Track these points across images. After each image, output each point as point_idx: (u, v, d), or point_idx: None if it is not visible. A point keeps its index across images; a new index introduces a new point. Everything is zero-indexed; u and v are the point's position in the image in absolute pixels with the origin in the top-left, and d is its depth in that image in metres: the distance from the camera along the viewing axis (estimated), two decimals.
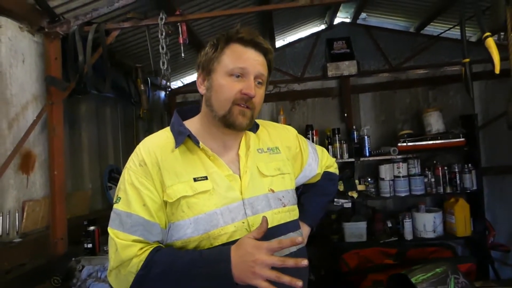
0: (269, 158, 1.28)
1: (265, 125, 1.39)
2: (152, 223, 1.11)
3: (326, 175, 1.59)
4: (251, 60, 1.14)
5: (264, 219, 1.04)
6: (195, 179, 1.13)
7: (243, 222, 1.13)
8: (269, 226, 1.13)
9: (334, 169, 1.65)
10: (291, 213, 1.27)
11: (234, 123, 1.14)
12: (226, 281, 1.00)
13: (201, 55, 1.22)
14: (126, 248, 1.08)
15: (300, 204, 1.44)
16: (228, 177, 1.16)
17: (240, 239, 1.03)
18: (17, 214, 2.24)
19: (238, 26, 1.19)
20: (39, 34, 2.48)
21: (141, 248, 1.08)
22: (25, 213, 2.29)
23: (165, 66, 2.38)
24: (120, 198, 1.14)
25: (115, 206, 1.15)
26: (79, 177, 2.99)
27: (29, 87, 2.42)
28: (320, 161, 1.54)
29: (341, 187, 3.99)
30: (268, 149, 1.31)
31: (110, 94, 3.02)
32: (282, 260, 0.98)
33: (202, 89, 1.22)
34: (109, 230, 1.13)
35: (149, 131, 4.04)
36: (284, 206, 1.24)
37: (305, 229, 1.46)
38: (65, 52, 2.49)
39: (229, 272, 0.99)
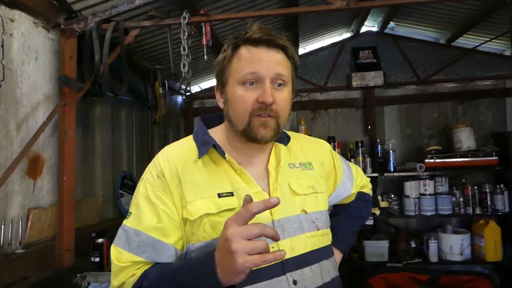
0: (302, 174, 1.14)
1: (296, 137, 1.25)
2: (164, 244, 0.97)
3: (361, 196, 1.45)
4: (265, 62, 0.99)
5: (247, 198, 0.84)
6: (219, 195, 1.00)
7: (273, 247, 0.97)
8: (302, 252, 1.03)
9: (368, 189, 1.50)
10: (325, 237, 1.13)
11: (255, 137, 1.00)
12: (212, 281, 0.84)
13: (216, 65, 1.08)
14: (122, 271, 0.98)
15: (331, 227, 1.29)
16: (256, 194, 1.02)
17: None
18: (20, 222, 2.08)
19: (248, 25, 1.03)
20: (54, 31, 2.35)
21: (139, 267, 0.98)
22: (29, 222, 2.13)
23: (186, 68, 2.22)
24: (131, 213, 1.02)
25: (124, 222, 1.03)
26: (90, 184, 2.84)
27: (41, 86, 2.27)
28: (355, 179, 1.40)
29: None
30: (300, 164, 1.17)
31: (126, 97, 2.87)
32: (260, 227, 0.79)
33: (221, 103, 1.09)
34: (112, 248, 1.01)
35: (165, 137, 3.90)
36: (318, 229, 1.10)
37: (338, 256, 1.30)
38: (81, 51, 2.35)
39: (213, 272, 0.83)
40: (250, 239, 0.78)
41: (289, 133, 1.20)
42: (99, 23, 2.27)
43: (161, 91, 2.82)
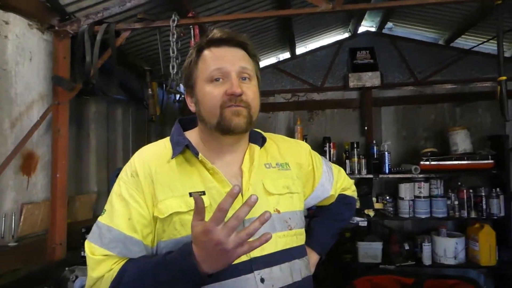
0: (278, 174, 1.16)
1: (274, 138, 1.27)
2: (135, 240, 1.02)
3: (342, 198, 1.45)
4: (228, 57, 1.05)
5: (196, 196, 0.88)
6: (191, 194, 1.02)
7: None
8: (272, 251, 1.05)
9: (351, 192, 1.50)
10: (298, 237, 1.14)
11: (230, 126, 1.03)
12: (195, 276, 0.89)
13: (183, 71, 1.15)
14: (99, 264, 1.01)
15: (309, 228, 1.33)
16: None
17: (192, 234, 0.89)
18: (14, 217, 2.16)
19: (209, 31, 1.10)
20: (49, 33, 2.42)
21: (115, 262, 1.01)
22: (22, 216, 2.21)
23: (175, 70, 2.27)
24: (105, 210, 1.07)
25: (98, 218, 1.07)
26: (84, 180, 2.91)
27: (36, 86, 2.35)
28: (335, 182, 1.40)
29: (357, 204, 3.79)
30: (277, 164, 1.19)
31: (120, 96, 2.93)
32: (237, 218, 0.83)
33: (192, 107, 1.13)
34: (86, 243, 1.05)
35: (161, 136, 3.95)
36: (291, 229, 1.11)
37: (313, 257, 1.33)
38: (75, 52, 2.42)
39: (194, 266, 0.88)
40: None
41: (266, 134, 1.23)
42: (91, 25, 2.34)
43: (150, 92, 2.88)
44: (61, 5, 2.32)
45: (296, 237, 1.13)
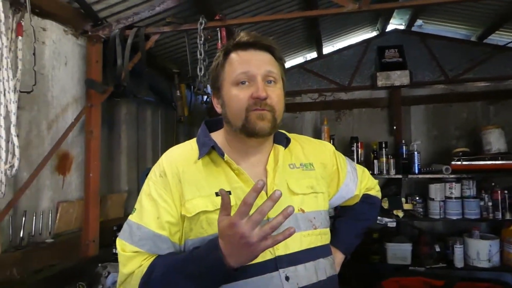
0: (302, 175, 1.17)
1: (298, 139, 1.28)
2: (163, 237, 1.05)
3: (366, 198, 1.45)
4: (254, 61, 1.07)
5: (223, 192, 0.90)
6: (217, 194, 1.05)
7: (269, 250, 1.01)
8: (297, 250, 1.06)
9: (375, 192, 1.50)
10: (323, 236, 1.15)
11: (254, 129, 1.05)
12: (221, 270, 0.92)
13: (210, 73, 1.18)
14: (130, 261, 1.05)
15: (334, 228, 1.32)
16: None
17: (218, 228, 0.92)
18: (50, 214, 2.27)
19: (236, 33, 1.12)
20: (82, 38, 2.52)
21: (145, 259, 1.05)
22: (58, 214, 2.32)
23: (202, 72, 2.31)
24: (135, 209, 1.11)
25: (129, 217, 1.12)
26: (115, 180, 3.01)
27: (70, 89, 2.45)
28: (359, 182, 1.40)
29: (385, 205, 3.73)
30: (301, 164, 1.20)
31: (149, 98, 3.01)
32: (261, 212, 0.85)
33: (218, 108, 1.15)
34: (117, 240, 1.10)
35: (190, 136, 4.02)
36: (315, 228, 1.12)
37: (338, 257, 1.33)
38: (106, 56, 2.50)
39: (220, 260, 0.91)
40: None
41: (290, 135, 1.24)
42: (122, 29, 2.41)
43: (178, 94, 2.94)
44: (94, 11, 2.40)
45: (320, 237, 1.14)
